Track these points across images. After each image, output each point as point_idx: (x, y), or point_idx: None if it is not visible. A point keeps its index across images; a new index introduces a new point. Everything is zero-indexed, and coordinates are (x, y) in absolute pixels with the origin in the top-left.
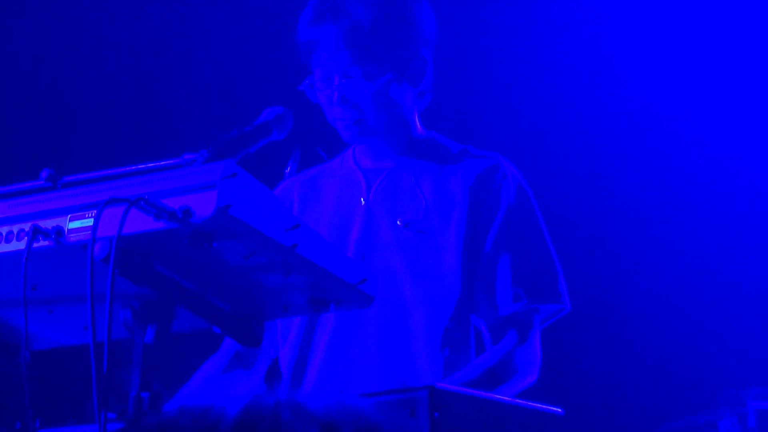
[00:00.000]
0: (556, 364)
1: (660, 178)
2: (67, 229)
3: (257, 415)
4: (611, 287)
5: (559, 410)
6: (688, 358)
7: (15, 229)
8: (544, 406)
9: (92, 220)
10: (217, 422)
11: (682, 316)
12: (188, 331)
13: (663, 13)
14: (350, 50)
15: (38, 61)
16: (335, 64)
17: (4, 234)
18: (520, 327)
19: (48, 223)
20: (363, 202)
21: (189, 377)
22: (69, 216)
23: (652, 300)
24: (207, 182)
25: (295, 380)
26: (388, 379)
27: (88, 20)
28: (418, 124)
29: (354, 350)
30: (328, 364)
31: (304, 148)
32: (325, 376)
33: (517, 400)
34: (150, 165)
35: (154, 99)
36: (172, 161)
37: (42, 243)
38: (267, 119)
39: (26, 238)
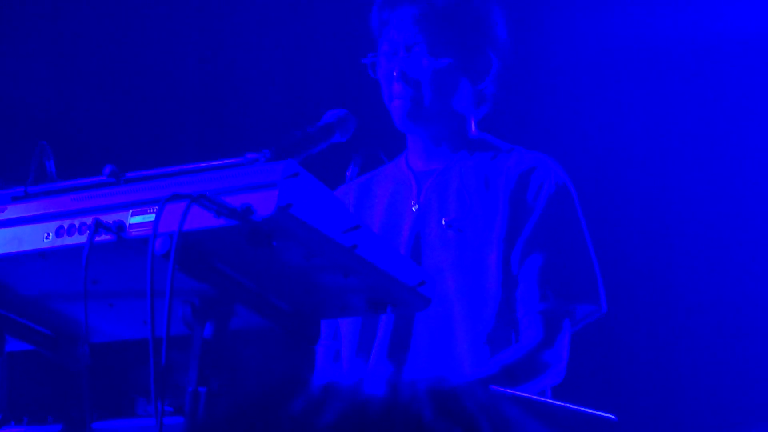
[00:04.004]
0: (608, 371)
1: (721, 186)
2: (129, 224)
3: (402, 402)
4: (668, 293)
5: (612, 417)
6: (744, 368)
7: (77, 222)
8: (597, 412)
9: (154, 215)
10: (365, 405)
11: (741, 325)
12: (246, 329)
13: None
14: (420, 26)
15: (103, 57)
16: (402, 38)
17: (66, 227)
18: (546, 327)
19: (110, 218)
20: (414, 207)
21: (245, 375)
22: (131, 211)
23: (710, 308)
24: (268, 181)
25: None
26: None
27: (153, 17)
28: (473, 126)
29: (406, 344)
30: (381, 358)
31: (366, 151)
32: (379, 370)
33: (571, 405)
34: (212, 163)
35: (217, 99)
36: (234, 160)
37: (103, 237)
38: (330, 121)
39: (88, 231)
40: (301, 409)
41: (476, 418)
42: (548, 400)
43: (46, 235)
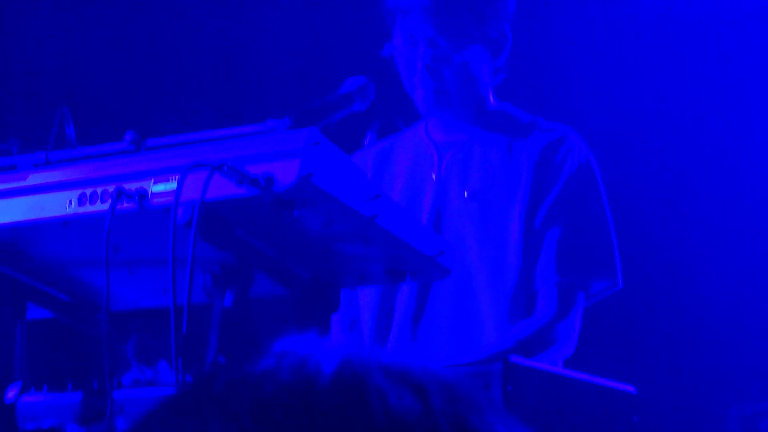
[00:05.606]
0: (627, 343)
1: (743, 160)
2: (151, 193)
3: (352, 373)
4: (684, 265)
5: (632, 388)
6: (759, 342)
7: (99, 190)
8: (616, 384)
9: (176, 183)
10: (313, 375)
11: (754, 300)
12: (266, 297)
13: None
14: (438, 19)
15: (122, 21)
16: (422, 31)
17: (88, 195)
18: (561, 299)
19: (132, 186)
20: (434, 177)
21: (266, 343)
22: (153, 179)
23: (725, 282)
24: (290, 150)
25: (377, 342)
26: (458, 344)
27: None
28: (491, 97)
29: (427, 315)
30: (403, 329)
31: (383, 119)
32: (401, 342)
33: (590, 377)
34: (233, 130)
35: (237, 65)
36: (254, 126)
37: (125, 205)
38: (350, 89)
39: (110, 199)
40: (250, 375)
41: (432, 400)
42: (570, 372)
43: (68, 202)
